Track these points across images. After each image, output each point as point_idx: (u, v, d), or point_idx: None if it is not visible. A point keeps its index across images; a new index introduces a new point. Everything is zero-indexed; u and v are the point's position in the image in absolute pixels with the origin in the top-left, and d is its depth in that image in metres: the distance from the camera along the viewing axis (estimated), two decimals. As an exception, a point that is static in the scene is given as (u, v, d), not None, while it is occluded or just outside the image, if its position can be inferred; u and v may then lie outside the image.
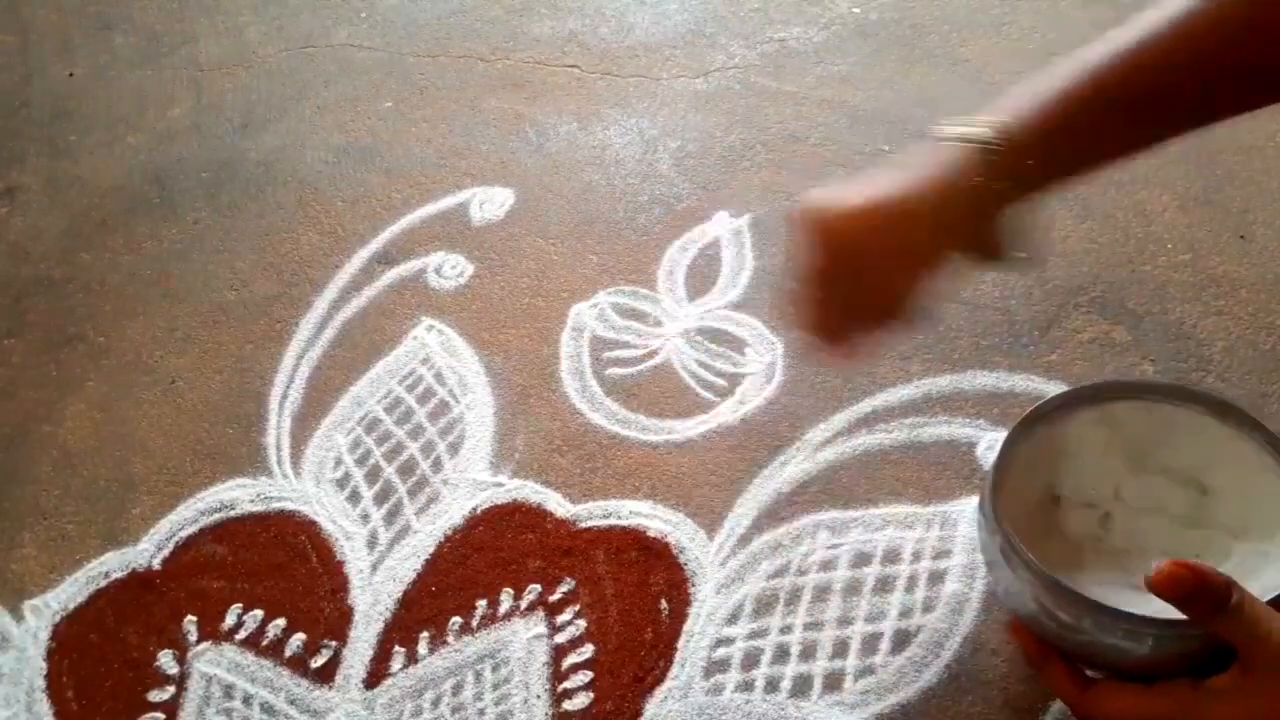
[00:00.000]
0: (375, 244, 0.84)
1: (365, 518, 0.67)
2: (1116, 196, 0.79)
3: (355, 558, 0.65)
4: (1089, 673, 0.48)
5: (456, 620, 0.62)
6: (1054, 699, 0.55)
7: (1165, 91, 0.47)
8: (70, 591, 0.66)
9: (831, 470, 0.66)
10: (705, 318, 0.75)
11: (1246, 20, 0.45)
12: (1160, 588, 0.41)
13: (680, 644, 0.59)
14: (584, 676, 0.58)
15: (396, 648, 0.61)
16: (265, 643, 0.62)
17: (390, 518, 0.67)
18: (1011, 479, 0.52)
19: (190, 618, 0.64)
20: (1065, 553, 0.51)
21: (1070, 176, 0.49)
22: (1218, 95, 0.48)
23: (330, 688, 0.60)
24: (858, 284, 0.50)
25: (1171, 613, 0.43)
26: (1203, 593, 0.41)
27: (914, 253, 0.49)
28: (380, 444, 0.70)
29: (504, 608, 0.62)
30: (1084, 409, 0.54)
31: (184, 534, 0.67)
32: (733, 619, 0.60)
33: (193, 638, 0.63)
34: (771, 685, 0.57)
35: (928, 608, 0.59)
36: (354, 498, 0.68)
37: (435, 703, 0.59)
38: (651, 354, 0.74)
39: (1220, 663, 0.43)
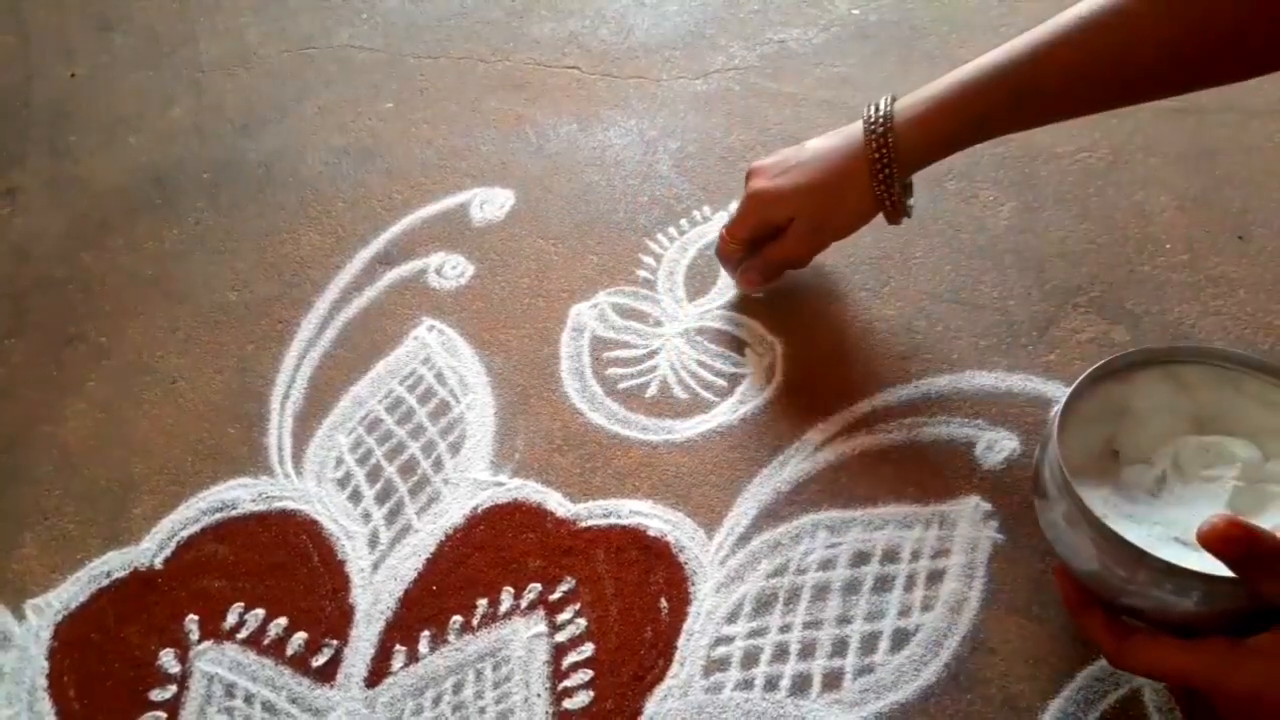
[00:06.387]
0: (376, 244, 0.84)
1: (366, 517, 0.67)
2: (1115, 197, 0.79)
3: (356, 557, 0.65)
4: (1128, 621, 0.48)
5: (457, 619, 0.62)
6: (1053, 698, 0.55)
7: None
8: (72, 591, 0.66)
9: (831, 470, 0.66)
10: (705, 318, 0.76)
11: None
12: (1211, 542, 0.41)
13: (680, 642, 0.59)
14: (584, 675, 0.59)
15: (397, 646, 0.61)
16: (267, 642, 0.62)
17: (391, 517, 0.67)
18: (1073, 429, 0.52)
19: (192, 617, 0.64)
20: (1118, 505, 0.52)
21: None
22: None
23: (331, 686, 0.60)
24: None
25: (1220, 571, 0.43)
26: (1252, 551, 0.41)
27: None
28: (381, 444, 0.71)
29: (504, 606, 0.62)
30: (1153, 368, 0.55)
31: (185, 533, 0.68)
32: (732, 618, 0.60)
33: (194, 637, 0.63)
34: (771, 684, 0.57)
35: (926, 607, 0.59)
36: (355, 497, 0.68)
37: (436, 701, 0.59)
38: (651, 354, 0.74)
39: (1262, 624, 0.43)
